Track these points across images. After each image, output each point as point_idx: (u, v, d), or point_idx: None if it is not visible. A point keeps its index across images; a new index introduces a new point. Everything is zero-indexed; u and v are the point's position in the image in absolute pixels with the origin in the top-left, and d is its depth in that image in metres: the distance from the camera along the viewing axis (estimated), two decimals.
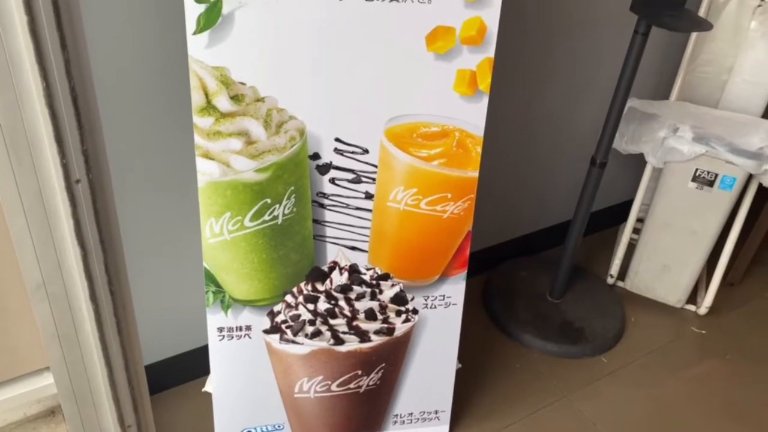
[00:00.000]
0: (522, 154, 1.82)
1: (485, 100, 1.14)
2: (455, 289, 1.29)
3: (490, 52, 1.10)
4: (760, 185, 1.70)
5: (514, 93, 1.68)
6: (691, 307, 1.91)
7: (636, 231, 1.96)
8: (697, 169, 1.67)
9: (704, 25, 1.30)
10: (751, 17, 1.76)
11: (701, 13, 1.74)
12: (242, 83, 1.04)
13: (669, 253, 1.83)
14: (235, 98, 1.04)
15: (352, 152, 1.14)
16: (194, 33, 0.98)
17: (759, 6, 1.74)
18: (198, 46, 0.99)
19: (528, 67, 1.66)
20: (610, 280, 1.97)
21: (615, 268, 1.96)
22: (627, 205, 1.98)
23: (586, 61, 1.76)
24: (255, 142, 1.08)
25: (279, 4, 0.99)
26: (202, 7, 0.97)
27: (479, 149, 1.17)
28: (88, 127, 0.59)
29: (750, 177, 1.67)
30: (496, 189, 1.81)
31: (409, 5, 1.04)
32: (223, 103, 1.04)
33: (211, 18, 0.98)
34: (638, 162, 1.88)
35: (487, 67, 1.11)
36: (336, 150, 1.13)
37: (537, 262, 2.00)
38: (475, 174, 1.20)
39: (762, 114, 1.82)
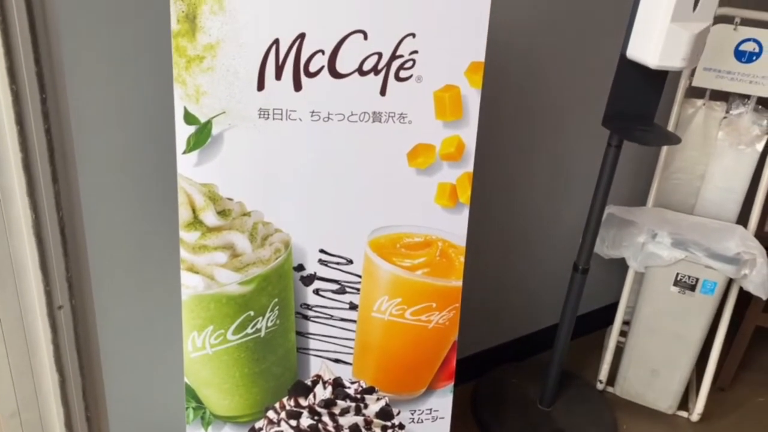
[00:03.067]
0: (505, 260, 1.85)
1: (466, 212, 1.17)
2: (442, 402, 1.27)
3: (469, 167, 1.15)
4: (741, 288, 1.72)
5: (496, 201, 1.72)
6: (683, 414, 1.87)
7: (623, 334, 1.95)
8: (678, 274, 1.69)
9: (672, 139, 1.37)
10: (717, 128, 1.85)
11: (671, 125, 1.83)
12: (229, 199, 1.06)
13: (657, 358, 1.82)
14: (222, 213, 1.07)
15: (337, 263, 1.15)
16: (184, 152, 1.02)
17: (724, 118, 1.83)
18: (187, 165, 1.03)
19: (507, 177, 1.72)
20: (599, 386, 1.94)
21: (604, 373, 1.93)
22: (614, 308, 1.98)
23: (565, 170, 1.83)
24: (240, 254, 1.09)
25: (266, 125, 1.04)
26: (192, 128, 1.01)
27: (462, 259, 1.19)
28: (74, 254, 0.60)
29: (730, 281, 1.70)
30: (481, 295, 1.82)
31: (391, 125, 1.09)
32: (210, 218, 1.06)
33: (200, 138, 1.02)
34: (622, 265, 1.90)
35: (467, 181, 1.15)
36: (320, 261, 1.14)
37: (526, 367, 1.97)
38: (459, 283, 1.21)
39: (736, 219, 1.87)
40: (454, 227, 1.17)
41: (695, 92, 1.83)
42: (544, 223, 1.88)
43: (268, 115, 1.04)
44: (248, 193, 1.07)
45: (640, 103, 1.39)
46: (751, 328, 1.88)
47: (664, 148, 1.86)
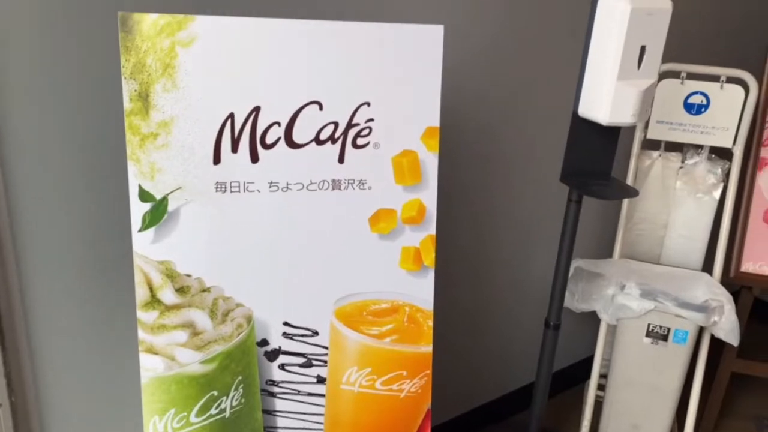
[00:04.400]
0: (476, 320, 1.83)
1: (431, 275, 1.16)
2: None
3: (432, 230, 1.14)
4: (713, 336, 1.72)
5: (462, 262, 1.72)
6: None
7: (601, 388, 1.93)
8: (649, 324, 1.69)
9: (630, 192, 1.39)
10: (675, 178, 1.89)
11: (629, 177, 1.87)
12: (188, 275, 1.04)
13: (636, 412, 1.79)
14: (181, 290, 1.04)
15: (302, 335, 1.12)
16: (140, 230, 1.00)
17: (681, 168, 1.88)
18: (143, 242, 1.00)
19: (472, 237, 1.72)
20: None
21: (585, 430, 1.90)
22: (590, 361, 1.96)
23: (529, 226, 1.84)
24: (201, 332, 1.05)
25: (224, 198, 1.03)
26: (147, 206, 1.00)
27: (430, 323, 1.17)
28: (13, 348, 0.57)
29: (702, 329, 1.70)
30: (454, 358, 1.78)
31: (351, 192, 1.09)
32: (168, 296, 1.03)
33: (156, 215, 1.00)
34: (594, 318, 1.89)
35: (430, 244, 1.15)
36: (285, 334, 1.11)
37: (505, 429, 1.92)
38: (429, 348, 1.18)
39: (701, 266, 1.89)
40: (421, 291, 1.16)
41: (651, 144, 1.88)
42: (513, 281, 1.87)
43: (225, 188, 1.03)
44: (207, 268, 1.04)
45: (596, 159, 1.42)
46: (726, 375, 1.87)
47: (626, 201, 1.89)
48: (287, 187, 1.06)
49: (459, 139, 1.57)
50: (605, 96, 1.26)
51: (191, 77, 0.98)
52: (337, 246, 1.10)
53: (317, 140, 1.06)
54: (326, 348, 1.13)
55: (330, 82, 1.04)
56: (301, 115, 1.04)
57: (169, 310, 1.03)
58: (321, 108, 1.05)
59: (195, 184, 1.01)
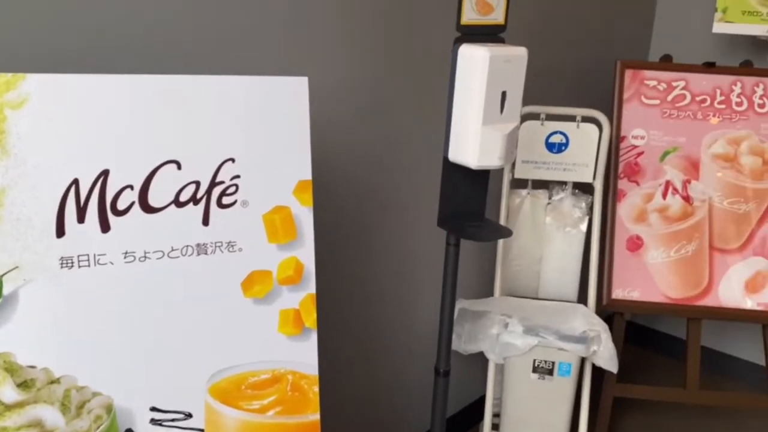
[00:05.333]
0: (367, 376, 1.77)
1: (314, 337, 1.10)
2: None
3: (311, 288, 1.08)
4: (594, 365, 1.78)
5: (347, 318, 1.67)
6: None
7: (496, 427, 1.92)
8: (535, 360, 1.72)
9: (504, 232, 1.41)
10: (544, 214, 1.97)
11: (502, 216, 1.92)
12: (32, 366, 0.90)
13: None
14: (24, 385, 0.90)
15: (173, 420, 1.00)
16: None
17: (548, 204, 1.96)
18: None
19: (354, 290, 1.68)
20: None
21: None
22: (483, 402, 1.96)
23: (412, 273, 1.82)
24: (52, 430, 0.91)
25: (71, 275, 0.91)
26: None
27: (316, 389, 1.10)
28: None
29: (583, 360, 1.75)
30: (347, 418, 1.71)
31: (219, 256, 1.01)
32: (8, 393, 0.88)
33: None
34: (484, 357, 1.90)
35: (311, 304, 1.09)
36: (153, 421, 0.99)
37: None
38: (317, 416, 1.11)
39: (577, 296, 1.97)
40: (304, 356, 1.09)
41: (519, 183, 1.95)
42: (401, 329, 1.84)
43: (73, 263, 0.91)
44: (55, 356, 0.91)
45: (470, 201, 1.43)
46: (609, 401, 1.93)
47: (501, 239, 1.94)
48: (145, 257, 0.96)
49: (334, 191, 1.53)
50: (472, 141, 1.28)
51: (24, 142, 0.87)
52: (206, 317, 1.01)
53: (177, 202, 0.97)
54: (202, 431, 1.02)
55: (188, 138, 0.97)
56: (156, 176, 0.95)
57: (10, 409, 0.88)
58: (179, 167, 0.97)
59: (35, 261, 0.89)
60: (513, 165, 1.92)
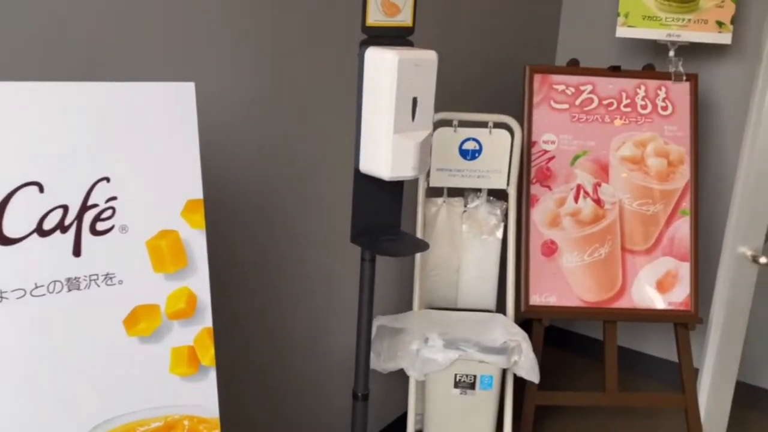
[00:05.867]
0: (277, 411, 1.65)
1: (213, 375, 0.97)
2: None
3: (207, 322, 0.96)
4: (516, 376, 1.74)
5: (251, 350, 1.54)
6: None
7: None
8: (456, 375, 1.66)
9: (421, 246, 1.34)
10: (461, 221, 1.92)
11: (418, 226, 1.85)
12: None
13: None
14: None
15: None
16: None
17: (464, 211, 1.92)
18: None
19: (263, 317, 1.56)
20: None
21: None
22: (405, 419, 1.88)
23: (326, 293, 1.72)
24: None
25: None
26: None
27: None
28: None
29: (504, 371, 1.71)
30: None
31: (95, 291, 0.87)
32: None
33: None
34: (404, 374, 1.82)
35: (207, 339, 0.96)
36: None
37: None
38: None
39: (496, 304, 1.93)
40: (201, 397, 0.96)
41: (435, 192, 1.90)
42: (315, 356, 1.73)
43: None
44: None
45: (384, 214, 1.35)
46: (531, 409, 1.91)
47: None
48: (2, 297, 0.80)
49: (232, 210, 1.40)
50: (383, 151, 1.19)
51: None
52: (82, 363, 0.87)
53: (40, 231, 0.83)
54: None
55: (51, 156, 0.83)
56: (12, 201, 0.80)
57: None
58: (41, 190, 0.82)
59: None
60: (428, 173, 1.86)
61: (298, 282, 1.61)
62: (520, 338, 1.65)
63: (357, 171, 1.27)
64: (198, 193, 0.93)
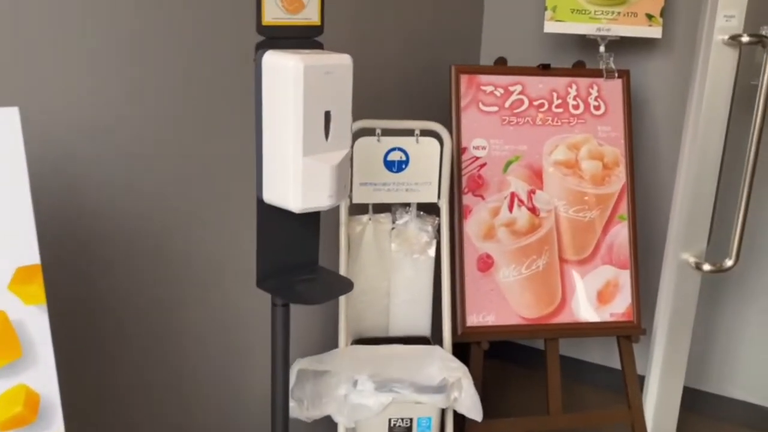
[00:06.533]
0: None
1: None
2: None
3: (57, 427, 0.72)
4: (455, 412, 1.57)
5: (157, 404, 1.29)
6: None
7: None
8: (390, 420, 1.47)
9: (343, 287, 1.13)
10: (389, 240, 1.73)
11: (341, 248, 1.64)
12: None
13: None
14: None
15: None
16: None
17: (393, 229, 1.72)
18: None
19: (148, 398, 1.31)
20: None
21: None
22: None
23: (235, 343, 1.48)
24: None
25: None
26: None
27: None
28: None
29: (444, 411, 1.53)
30: None
31: None
32: None
33: None
34: (331, 422, 1.61)
35: None
36: None
37: None
38: None
39: (431, 329, 1.76)
40: None
41: (359, 208, 1.69)
42: (232, 396, 1.50)
43: None
44: None
45: (297, 250, 1.14)
46: None
47: (342, 267, 1.66)
48: None
49: (87, 265, 1.14)
50: (292, 178, 0.98)
51: None
52: None
53: None
54: None
55: None
56: None
57: None
58: None
59: None
60: (350, 188, 1.65)
61: (195, 336, 1.37)
62: (459, 373, 1.47)
63: (261, 201, 1.05)
64: (32, 256, 0.69)
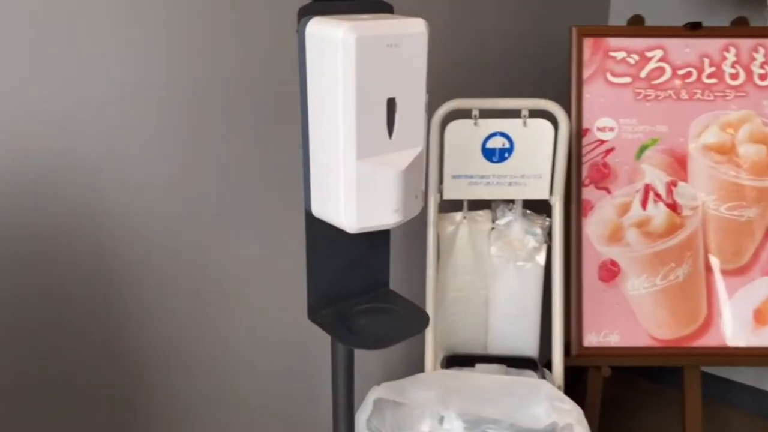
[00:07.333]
0: None
1: None
2: None
3: None
4: None
5: None
6: None
7: None
8: None
9: (419, 323, 0.87)
10: (488, 242, 1.45)
11: (429, 251, 1.38)
12: None
13: None
14: None
15: None
16: None
17: (492, 229, 1.44)
18: None
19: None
20: None
21: None
22: None
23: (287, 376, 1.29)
24: None
25: None
26: None
27: None
28: None
29: None
30: None
31: None
32: None
33: None
34: None
35: None
36: None
37: None
38: None
39: (538, 349, 1.47)
40: None
41: (451, 204, 1.42)
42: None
43: None
44: None
45: (360, 271, 0.90)
46: None
47: (431, 279, 1.40)
48: None
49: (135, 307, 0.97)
50: (343, 189, 0.74)
51: None
52: None
53: None
54: None
55: None
56: None
57: None
58: None
59: None
60: (440, 180, 1.38)
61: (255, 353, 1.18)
62: (572, 417, 1.18)
63: (309, 215, 0.82)
64: None
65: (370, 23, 0.70)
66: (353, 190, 0.73)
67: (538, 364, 1.44)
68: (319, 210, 0.79)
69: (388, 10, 0.81)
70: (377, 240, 0.89)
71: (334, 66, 0.69)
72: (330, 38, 0.69)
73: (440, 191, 1.38)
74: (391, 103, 0.73)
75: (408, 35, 0.72)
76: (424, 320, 0.88)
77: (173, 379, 1.04)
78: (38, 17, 0.79)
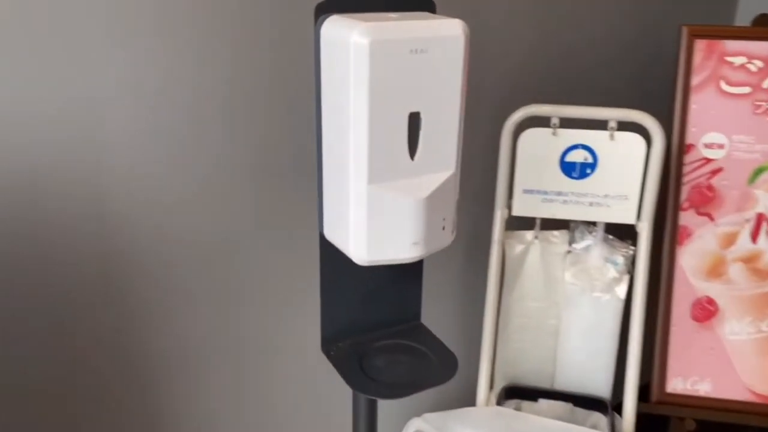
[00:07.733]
0: None
1: None
2: None
3: None
4: None
5: None
6: None
7: None
8: None
9: (446, 370, 0.76)
10: (563, 267, 1.29)
11: (492, 273, 1.25)
12: None
13: None
14: None
15: None
16: None
17: (569, 252, 1.28)
18: None
19: None
20: None
21: None
22: None
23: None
24: None
25: None
26: None
27: None
28: None
29: None
30: None
31: None
32: None
33: None
34: None
35: None
36: None
37: None
38: None
39: (611, 390, 1.30)
40: None
41: (521, 222, 1.28)
42: None
43: None
44: None
45: (385, 302, 0.80)
46: None
47: (492, 300, 1.27)
48: None
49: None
50: (352, 217, 0.64)
51: None
52: None
53: None
54: None
55: None
56: None
57: None
58: None
59: None
60: (510, 194, 1.24)
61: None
62: None
63: (323, 238, 0.72)
64: None
65: (392, 24, 0.59)
66: (363, 218, 0.62)
67: (609, 407, 1.27)
68: (331, 235, 0.69)
69: (429, 8, 0.69)
70: (406, 268, 0.78)
71: (346, 73, 0.59)
72: (342, 41, 0.59)
73: (509, 206, 1.25)
74: (414, 119, 0.62)
75: (439, 39, 0.60)
76: (452, 366, 0.76)
77: (181, 385, 1.00)
78: (38, 17, 0.75)
